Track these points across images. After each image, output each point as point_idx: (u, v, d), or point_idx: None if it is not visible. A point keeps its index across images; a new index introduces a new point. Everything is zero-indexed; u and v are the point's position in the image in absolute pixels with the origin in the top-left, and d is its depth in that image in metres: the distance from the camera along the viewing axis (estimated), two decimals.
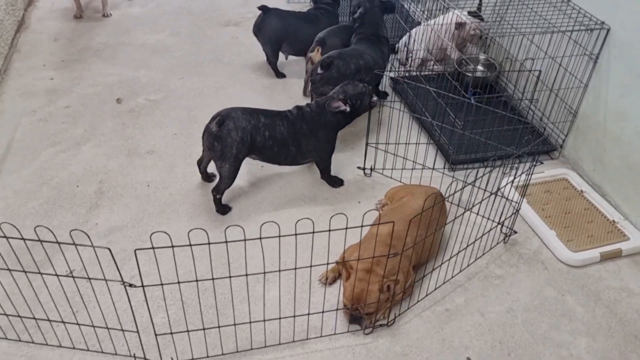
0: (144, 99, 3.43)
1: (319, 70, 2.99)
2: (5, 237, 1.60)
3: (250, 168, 2.90)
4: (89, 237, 1.71)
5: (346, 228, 1.70)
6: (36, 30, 4.14)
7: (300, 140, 2.62)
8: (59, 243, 1.61)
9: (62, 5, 4.50)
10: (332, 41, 3.32)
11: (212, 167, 2.73)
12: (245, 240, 1.67)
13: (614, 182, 2.74)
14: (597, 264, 2.45)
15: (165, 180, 2.81)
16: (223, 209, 2.65)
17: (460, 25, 3.38)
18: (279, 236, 1.64)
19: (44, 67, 3.70)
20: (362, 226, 1.79)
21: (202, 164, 2.79)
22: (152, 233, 2.32)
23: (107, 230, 2.50)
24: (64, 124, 3.18)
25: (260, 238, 1.64)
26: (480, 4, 3.21)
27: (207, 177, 2.82)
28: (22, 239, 1.61)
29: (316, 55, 3.16)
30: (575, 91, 2.90)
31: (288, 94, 3.53)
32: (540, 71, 2.92)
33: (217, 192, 2.59)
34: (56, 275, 1.78)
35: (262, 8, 3.50)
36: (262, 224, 1.75)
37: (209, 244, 1.64)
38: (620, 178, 2.70)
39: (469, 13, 3.20)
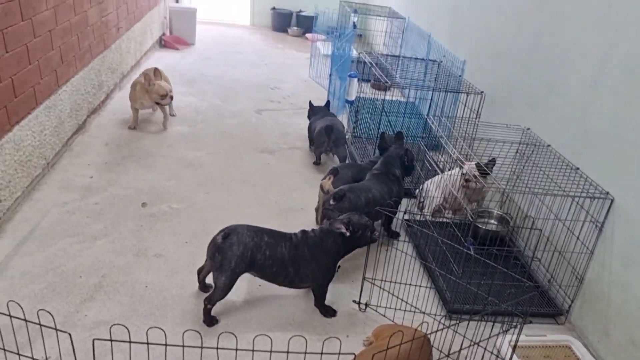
0: (167, 206, 3.64)
1: (332, 202, 3.13)
2: None
3: (247, 284, 2.94)
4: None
5: (305, 352, 1.69)
6: (92, 134, 4.58)
7: (300, 263, 2.68)
8: (40, 325, 1.67)
9: (122, 117, 5.00)
10: (344, 172, 3.56)
11: (210, 279, 2.79)
12: (237, 350, 1.68)
13: (618, 357, 2.59)
14: None
15: (163, 284, 2.89)
16: (210, 320, 2.66)
17: (465, 178, 3.50)
18: (271, 351, 1.64)
19: (87, 166, 4.04)
20: (321, 353, 1.76)
21: (202, 273, 2.87)
22: (149, 328, 2.36)
23: (94, 323, 2.55)
24: (88, 218, 3.39)
25: (253, 350, 1.64)
26: (493, 161, 3.35)
27: (204, 287, 2.88)
28: (9, 315, 1.69)
29: (327, 182, 3.35)
30: (582, 256, 2.88)
31: (304, 220, 3.65)
32: (541, 230, 2.94)
33: (209, 302, 2.63)
34: (32, 359, 1.82)
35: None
36: (255, 337, 1.76)
37: (201, 347, 1.65)
38: (624, 354, 2.56)
39: (477, 166, 3.34)
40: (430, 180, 3.79)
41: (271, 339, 1.68)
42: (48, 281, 2.80)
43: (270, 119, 5.40)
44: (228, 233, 2.58)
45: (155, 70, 4.81)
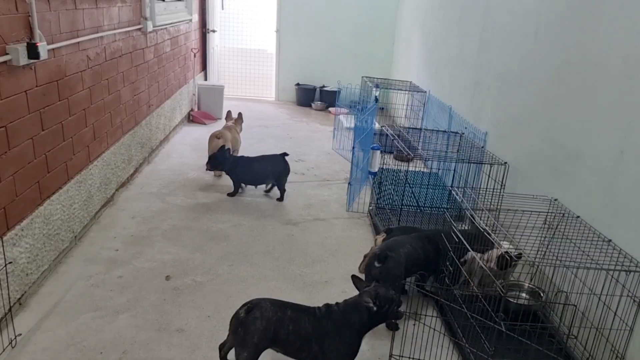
0: (191, 280, 3.62)
1: (377, 264, 3.17)
2: None
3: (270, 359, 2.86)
4: None
5: None
6: (120, 208, 4.67)
7: (324, 339, 2.60)
8: None
9: (149, 190, 5.11)
10: (397, 234, 3.59)
11: (233, 355, 2.72)
12: None
13: None
14: None
15: None
16: None
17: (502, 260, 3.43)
18: None
19: (114, 239, 4.08)
20: None
21: (224, 349, 2.79)
22: None
23: None
24: (111, 292, 3.39)
25: None
26: (519, 256, 3.30)
27: None
28: None
29: (380, 239, 3.50)
30: (621, 333, 2.73)
31: (328, 293, 3.58)
32: (575, 306, 2.81)
33: None
34: None
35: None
36: None
37: None
38: None
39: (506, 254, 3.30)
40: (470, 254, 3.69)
41: None
42: (68, 357, 2.76)
43: (294, 190, 5.44)
44: (251, 307, 2.53)
45: (240, 115, 6.28)
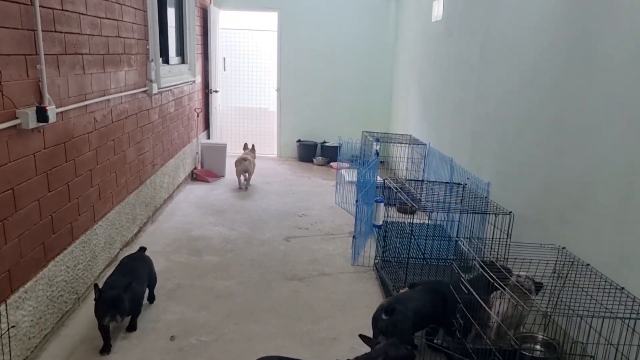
0: (196, 339, 3.54)
1: (384, 316, 3.12)
2: None
3: None
4: None
5: None
6: None
7: None
8: None
9: (153, 249, 5.08)
10: (410, 292, 3.52)
11: None
12: None
13: None
14: None
15: None
16: None
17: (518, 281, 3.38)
18: None
19: None
20: None
21: None
22: None
23: None
24: (115, 354, 3.31)
25: None
26: (540, 285, 3.27)
27: None
28: None
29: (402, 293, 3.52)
30: None
31: (336, 351, 3.49)
32: (593, 357, 2.73)
33: None
34: None
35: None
36: None
37: None
38: None
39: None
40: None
41: None
42: None
43: (298, 245, 5.41)
44: None
45: (253, 146, 8.01)
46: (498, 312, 3.47)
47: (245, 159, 7.42)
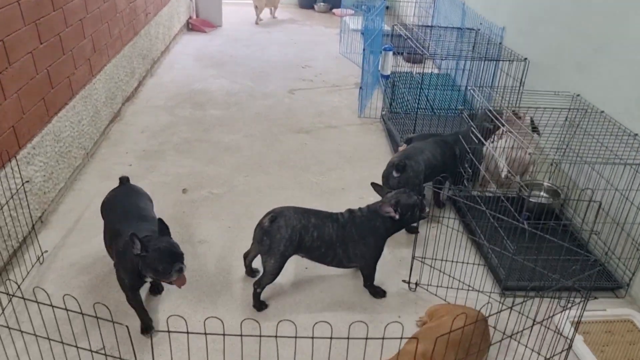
0: (208, 192, 3.61)
1: (395, 174, 3.11)
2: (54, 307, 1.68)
3: (294, 267, 2.90)
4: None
5: (366, 338, 1.63)
6: (128, 122, 4.58)
7: (348, 243, 2.62)
8: (97, 318, 1.65)
9: (155, 103, 4.99)
10: (417, 143, 3.45)
11: (256, 263, 2.76)
12: (260, 336, 1.63)
13: None
14: None
15: (210, 270, 2.87)
16: (260, 304, 2.63)
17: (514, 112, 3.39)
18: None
19: (126, 154, 4.04)
20: (383, 338, 1.70)
21: (248, 257, 2.84)
22: (206, 318, 2.37)
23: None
24: None
25: (313, 337, 1.60)
26: (535, 127, 3.25)
27: (250, 272, 2.85)
28: (65, 309, 1.68)
29: (401, 150, 3.44)
30: None
31: (346, 200, 3.58)
32: (600, 202, 2.79)
33: (259, 285, 2.60)
34: (90, 350, 1.84)
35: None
36: (315, 324, 1.71)
37: (260, 336, 1.64)
38: None
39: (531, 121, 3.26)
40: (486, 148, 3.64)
41: (331, 326, 1.63)
42: (97, 271, 2.81)
43: (303, 98, 5.31)
44: (275, 216, 2.52)
45: None
46: (501, 154, 3.49)
47: None
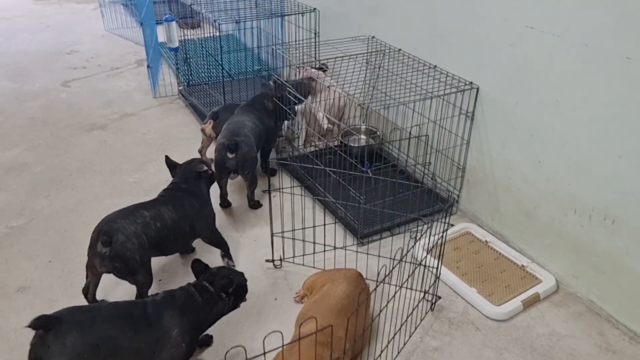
0: (5, 227, 2.95)
1: (230, 155, 2.92)
2: None
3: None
4: None
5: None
6: None
7: (188, 216, 2.47)
8: None
9: None
10: (224, 115, 3.32)
11: (101, 293, 2.36)
12: None
13: (514, 228, 2.84)
14: (522, 313, 2.46)
15: None
16: None
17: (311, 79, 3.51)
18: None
19: None
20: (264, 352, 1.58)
21: (89, 292, 2.40)
22: None
23: None
24: None
25: None
26: (325, 65, 3.38)
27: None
28: None
29: (208, 127, 3.31)
30: (460, 148, 3.02)
31: None
32: (428, 136, 3.00)
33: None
34: None
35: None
36: None
37: None
38: (518, 224, 2.81)
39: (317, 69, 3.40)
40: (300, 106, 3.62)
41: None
42: None
43: (83, 88, 4.64)
44: (108, 237, 2.17)
45: None
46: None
47: None
